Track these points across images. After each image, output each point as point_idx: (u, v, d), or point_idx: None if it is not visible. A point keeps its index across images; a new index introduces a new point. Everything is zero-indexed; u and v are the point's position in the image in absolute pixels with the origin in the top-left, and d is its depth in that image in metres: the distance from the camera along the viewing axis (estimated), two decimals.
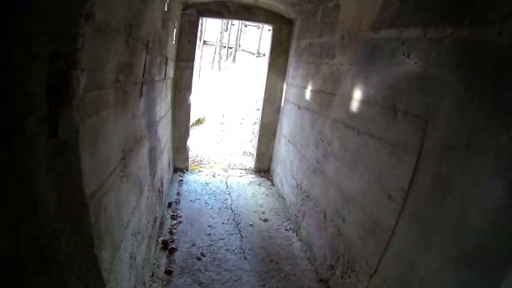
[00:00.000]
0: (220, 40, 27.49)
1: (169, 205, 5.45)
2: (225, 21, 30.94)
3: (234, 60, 29.51)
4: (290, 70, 6.47)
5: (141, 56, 3.08)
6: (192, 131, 16.68)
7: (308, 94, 5.19)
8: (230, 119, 12.21)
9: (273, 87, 6.99)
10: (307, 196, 4.78)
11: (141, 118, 3.37)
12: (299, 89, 5.66)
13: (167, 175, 6.15)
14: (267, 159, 7.59)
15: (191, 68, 6.60)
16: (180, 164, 7.38)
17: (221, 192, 6.38)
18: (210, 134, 14.20)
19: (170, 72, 5.93)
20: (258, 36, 30.39)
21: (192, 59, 6.56)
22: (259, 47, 29.66)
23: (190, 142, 7.65)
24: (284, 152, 6.41)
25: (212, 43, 29.50)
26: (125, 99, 2.50)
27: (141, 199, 3.26)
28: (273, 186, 6.90)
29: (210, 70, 27.28)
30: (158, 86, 4.60)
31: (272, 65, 6.86)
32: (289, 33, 6.65)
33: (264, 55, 28.72)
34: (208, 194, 6.19)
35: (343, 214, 3.57)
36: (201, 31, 28.21)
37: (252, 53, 30.19)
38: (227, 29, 31.40)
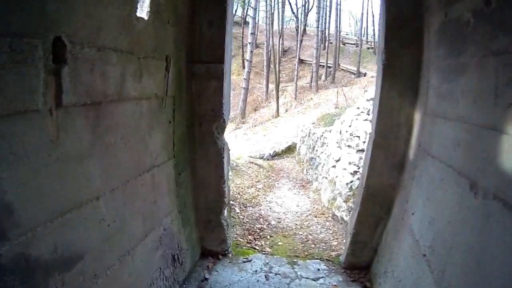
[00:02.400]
0: (316, 58, 24.01)
1: None
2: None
3: (334, 80, 25.94)
4: (433, 80, 2.68)
5: None
6: (277, 162, 13.52)
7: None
8: (320, 155, 8.54)
9: (392, 116, 3.12)
10: None
11: None
12: (466, 129, 1.90)
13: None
14: (368, 251, 3.78)
15: (221, 76, 3.21)
16: (213, 245, 4.06)
17: None
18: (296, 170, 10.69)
19: (169, 85, 2.74)
20: (357, 54, 27.41)
21: (220, 58, 3.16)
22: (359, 65, 26.40)
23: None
24: (406, 269, 2.62)
25: (310, 62, 26.25)
26: None
27: None
28: None
29: (307, 91, 24.10)
30: (129, 114, 2.34)
31: (389, 70, 3.03)
32: None
33: (365, 74, 24.99)
34: None
35: None
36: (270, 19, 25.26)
37: (352, 72, 27.15)
38: (324, 48, 28.07)
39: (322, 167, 7.86)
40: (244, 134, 18.60)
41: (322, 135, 8.27)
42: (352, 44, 33.84)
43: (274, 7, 25.23)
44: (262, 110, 23.43)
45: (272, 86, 22.96)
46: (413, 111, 3.06)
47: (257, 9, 24.92)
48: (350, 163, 5.68)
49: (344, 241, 4.79)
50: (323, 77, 27.03)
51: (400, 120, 3.10)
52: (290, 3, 33.21)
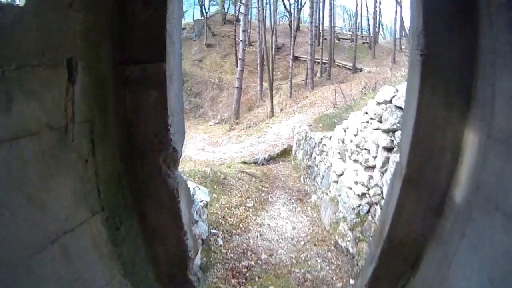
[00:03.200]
0: (311, 54, 22.82)
1: None
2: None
3: (329, 76, 24.80)
4: (504, 82, 1.56)
5: None
6: (272, 167, 12.37)
7: None
8: (319, 164, 7.40)
9: (434, 137, 1.92)
10: None
11: None
12: None
13: None
14: None
15: (162, 83, 2.03)
16: None
17: None
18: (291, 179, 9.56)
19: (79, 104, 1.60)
20: (353, 50, 26.64)
21: (159, 54, 1.96)
22: (354, 61, 25.54)
23: None
24: None
25: (304, 58, 25.07)
26: None
27: None
28: None
29: (303, 89, 22.96)
30: None
31: (431, 64, 1.80)
32: None
33: (361, 70, 23.88)
34: None
35: None
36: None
37: (348, 68, 26.03)
38: (319, 44, 26.88)
39: (321, 179, 6.74)
40: (238, 136, 17.44)
41: (321, 142, 7.10)
42: (347, 39, 32.60)
43: (266, 3, 23.99)
44: (256, 110, 22.25)
45: (266, 85, 21.79)
46: (463, 129, 1.93)
47: (249, 6, 23.66)
48: (357, 183, 4.55)
49: (352, 282, 3.75)
50: (318, 74, 25.81)
51: (445, 142, 1.96)
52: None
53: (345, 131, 5.46)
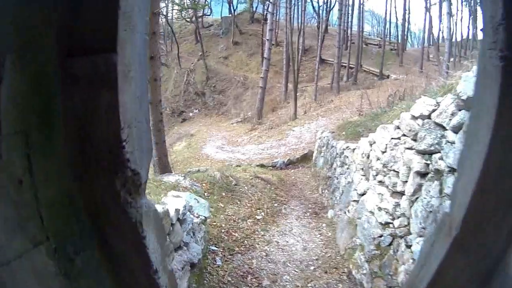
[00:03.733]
0: (338, 58, 21.95)
1: None
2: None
3: (356, 81, 23.91)
4: None
5: None
6: (290, 172, 11.73)
7: None
8: (339, 177, 6.72)
9: (504, 181, 1.32)
10: None
11: None
12: None
13: None
14: None
15: (113, 81, 1.44)
16: None
17: None
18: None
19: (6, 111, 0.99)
20: (380, 56, 25.47)
21: (111, 41, 1.39)
22: (382, 67, 24.61)
23: None
24: None
25: (331, 62, 24.19)
26: None
27: None
28: None
29: (328, 92, 22.15)
30: None
31: None
32: None
33: (388, 76, 22.92)
34: None
35: None
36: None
37: (375, 74, 25.08)
38: (346, 48, 25.89)
39: (341, 194, 6.07)
40: (259, 137, 16.93)
41: (343, 153, 6.41)
42: (374, 44, 31.47)
43: (294, 4, 23.22)
44: (280, 111, 21.62)
45: (291, 86, 21.10)
46: None
47: (277, 5, 22.98)
48: (380, 209, 3.87)
49: None
50: (344, 78, 24.87)
51: None
52: (311, 0, 30.99)
53: (371, 145, 4.74)
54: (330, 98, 20.28)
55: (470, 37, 27.99)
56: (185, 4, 31.23)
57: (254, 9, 36.10)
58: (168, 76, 31.71)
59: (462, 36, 29.19)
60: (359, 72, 25.24)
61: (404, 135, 3.65)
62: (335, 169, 6.99)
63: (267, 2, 25.81)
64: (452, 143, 2.81)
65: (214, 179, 6.42)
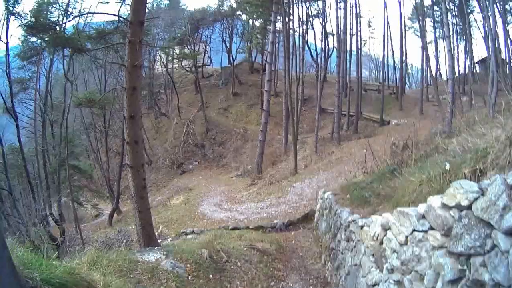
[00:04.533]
0: (338, 106, 21.68)
1: None
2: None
3: (356, 130, 23.54)
4: None
5: None
6: (290, 235, 10.81)
7: None
8: (344, 252, 5.89)
9: None
10: None
11: None
12: None
13: None
14: None
15: None
16: None
17: None
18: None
19: None
20: (380, 101, 25.66)
21: None
22: (382, 113, 24.54)
23: None
24: None
25: (331, 111, 23.95)
26: None
27: None
28: None
29: (329, 143, 21.62)
30: None
31: None
32: None
33: (388, 122, 22.54)
34: None
35: None
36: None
37: (375, 121, 25.07)
38: (346, 95, 25.77)
39: (346, 275, 5.21)
40: (258, 194, 16.11)
41: (349, 226, 5.55)
42: (373, 90, 31.36)
43: (292, 53, 23.31)
44: (280, 164, 20.93)
45: (292, 138, 20.64)
46: None
47: (274, 55, 22.98)
48: None
49: None
50: (345, 127, 24.43)
51: None
52: (309, 49, 31.28)
53: (385, 230, 3.87)
54: (331, 150, 19.69)
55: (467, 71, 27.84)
56: (183, 53, 31.73)
57: (253, 59, 36.62)
58: (168, 127, 31.53)
59: (459, 72, 29.03)
60: (360, 120, 24.95)
61: (432, 228, 2.78)
62: (339, 241, 6.13)
63: (266, 52, 25.98)
64: (505, 252, 1.92)
65: (201, 259, 5.60)
